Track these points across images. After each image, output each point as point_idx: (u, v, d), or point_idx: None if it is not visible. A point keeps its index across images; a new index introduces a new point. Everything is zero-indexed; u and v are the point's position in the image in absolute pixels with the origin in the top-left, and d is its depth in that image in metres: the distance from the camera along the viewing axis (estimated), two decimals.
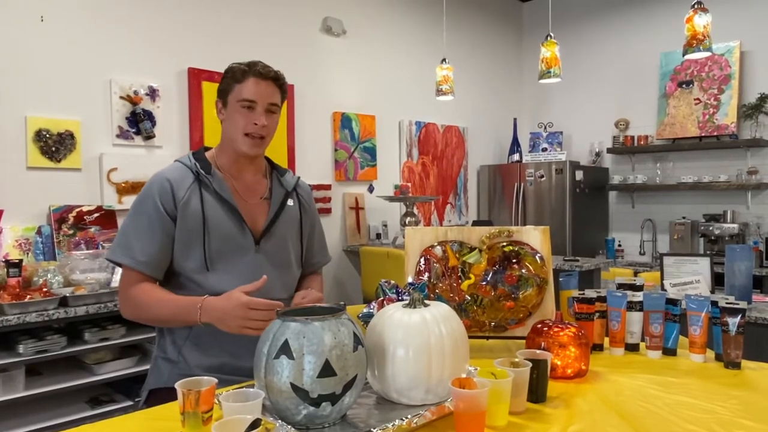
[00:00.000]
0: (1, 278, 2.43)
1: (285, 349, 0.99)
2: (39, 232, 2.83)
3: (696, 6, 2.59)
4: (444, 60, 3.91)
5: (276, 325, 1.04)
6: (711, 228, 4.41)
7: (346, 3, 4.35)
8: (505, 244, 1.54)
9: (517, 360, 1.14)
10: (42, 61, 2.91)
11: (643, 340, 1.54)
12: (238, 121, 1.52)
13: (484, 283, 1.51)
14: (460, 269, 1.53)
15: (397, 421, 1.01)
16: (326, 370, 0.98)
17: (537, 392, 1.16)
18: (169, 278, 1.53)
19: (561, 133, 5.43)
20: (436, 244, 1.55)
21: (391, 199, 4.02)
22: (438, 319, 1.12)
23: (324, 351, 0.99)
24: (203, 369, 1.46)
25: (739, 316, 1.37)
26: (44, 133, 2.89)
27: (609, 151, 5.17)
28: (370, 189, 4.55)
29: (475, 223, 5.17)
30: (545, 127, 5.54)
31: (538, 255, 1.52)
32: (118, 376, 2.57)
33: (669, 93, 4.84)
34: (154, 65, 3.33)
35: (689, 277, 2.43)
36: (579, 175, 4.89)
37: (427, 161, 5.00)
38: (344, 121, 4.34)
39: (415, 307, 1.14)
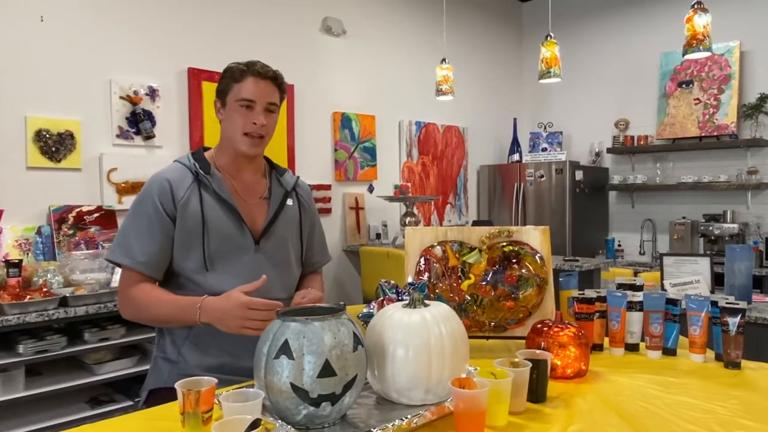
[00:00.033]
0: (1, 278, 2.43)
1: (285, 349, 0.99)
2: (39, 232, 2.83)
3: (696, 6, 2.59)
4: (444, 60, 3.91)
5: (276, 325, 1.04)
6: (711, 228, 4.41)
7: (346, 3, 4.35)
8: (505, 244, 1.54)
9: (516, 360, 1.14)
10: (42, 61, 2.91)
11: (643, 340, 1.54)
12: (237, 120, 1.52)
13: (484, 283, 1.51)
14: (460, 269, 1.53)
15: (397, 421, 1.01)
16: (326, 370, 0.98)
17: (537, 392, 1.16)
18: (168, 278, 1.53)
19: (561, 133, 5.43)
20: (436, 244, 1.55)
21: (391, 199, 4.02)
22: (438, 319, 1.12)
23: (324, 351, 0.99)
24: (203, 369, 1.46)
25: (739, 316, 1.37)
26: (44, 133, 2.89)
27: (609, 151, 5.17)
28: (370, 189, 4.55)
29: (475, 223, 5.17)
30: (545, 127, 5.54)
31: (538, 255, 1.52)
32: (118, 376, 2.57)
33: (669, 93, 4.84)
34: (154, 65, 3.33)
35: (689, 277, 2.43)
36: (579, 175, 4.89)
37: (427, 161, 5.00)
38: (344, 121, 4.34)
39: (415, 307, 1.14)
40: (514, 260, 1.52)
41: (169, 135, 3.38)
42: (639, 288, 1.64)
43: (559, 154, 5.14)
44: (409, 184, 4.35)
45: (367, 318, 1.28)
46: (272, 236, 1.58)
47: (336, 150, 4.30)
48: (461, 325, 1.16)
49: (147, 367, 1.61)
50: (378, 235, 4.48)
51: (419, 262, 1.54)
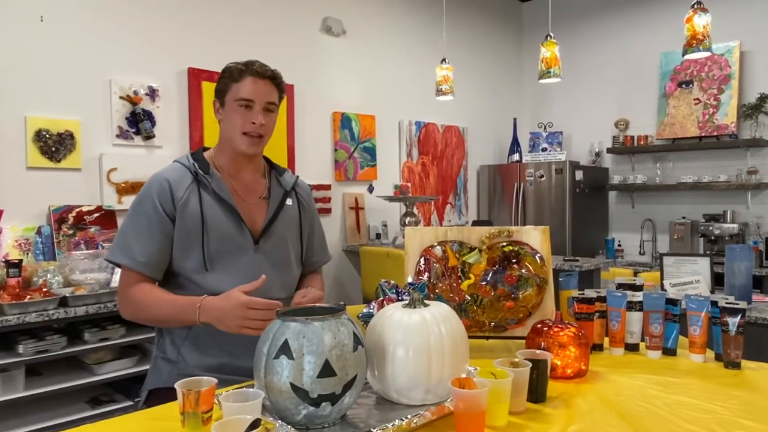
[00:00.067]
0: (1, 278, 2.43)
1: (285, 349, 0.99)
2: (39, 232, 2.83)
3: (696, 6, 2.59)
4: (444, 60, 3.91)
5: (276, 325, 1.04)
6: (711, 228, 4.41)
7: (346, 3, 4.35)
8: (504, 244, 1.54)
9: (516, 360, 1.14)
10: (42, 61, 2.91)
11: (642, 340, 1.54)
12: (236, 120, 1.52)
13: (483, 283, 1.51)
14: (459, 269, 1.53)
15: (396, 421, 1.01)
16: (326, 370, 0.98)
17: (537, 392, 1.16)
18: (168, 278, 1.53)
19: (561, 133, 5.43)
20: (435, 244, 1.55)
21: (390, 199, 4.02)
22: (438, 319, 1.12)
23: (324, 351, 0.99)
24: (202, 369, 1.46)
25: (739, 316, 1.37)
26: (44, 133, 2.89)
27: (609, 151, 5.17)
28: (370, 189, 4.55)
29: (475, 223, 5.17)
30: (545, 127, 5.54)
31: (538, 255, 1.52)
32: (118, 376, 2.57)
33: (669, 93, 4.84)
34: (154, 65, 3.33)
35: (689, 277, 2.43)
36: (579, 175, 4.89)
37: (427, 161, 5.00)
38: (344, 121, 4.34)
39: (414, 307, 1.14)
40: (514, 260, 1.52)
41: (169, 135, 3.38)
42: (639, 288, 1.64)
43: (559, 154, 5.14)
44: (409, 184, 4.35)
45: (367, 318, 1.28)
46: (272, 236, 1.58)
47: (336, 150, 4.30)
48: (461, 325, 1.16)
49: (147, 367, 1.61)
50: (378, 235, 4.48)
51: (419, 262, 1.54)
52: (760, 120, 4.40)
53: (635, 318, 1.53)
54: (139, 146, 3.26)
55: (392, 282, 1.37)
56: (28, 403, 2.35)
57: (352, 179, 4.41)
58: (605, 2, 5.33)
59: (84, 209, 2.99)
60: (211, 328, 1.37)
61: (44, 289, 2.44)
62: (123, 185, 3.15)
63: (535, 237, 1.54)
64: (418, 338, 1.08)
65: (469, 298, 1.51)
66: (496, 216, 5.34)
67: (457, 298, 1.51)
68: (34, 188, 2.88)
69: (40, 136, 2.88)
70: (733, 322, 1.37)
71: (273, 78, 1.55)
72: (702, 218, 4.62)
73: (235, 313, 1.31)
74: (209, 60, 3.51)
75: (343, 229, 4.36)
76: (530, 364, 1.12)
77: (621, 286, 1.66)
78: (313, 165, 4.17)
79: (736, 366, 1.38)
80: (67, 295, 2.46)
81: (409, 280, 1.52)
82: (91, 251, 2.78)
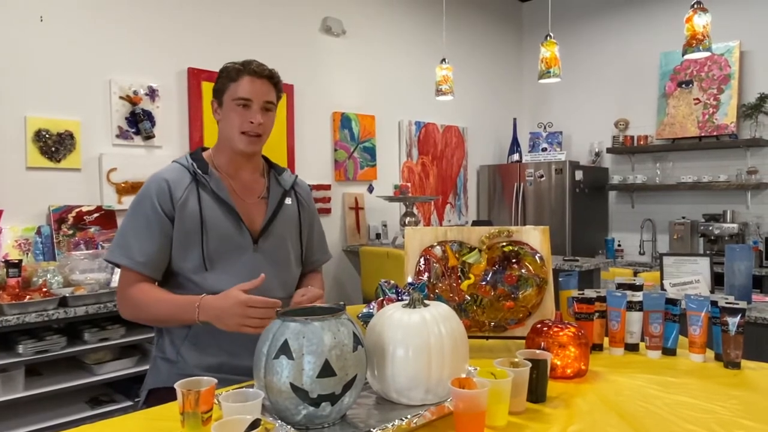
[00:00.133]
0: (0, 278, 2.43)
1: (285, 349, 0.99)
2: (38, 232, 2.83)
3: (695, 6, 2.59)
4: (444, 60, 3.91)
5: (276, 325, 1.04)
6: (711, 228, 4.41)
7: (346, 3, 4.35)
8: (504, 244, 1.54)
9: (516, 360, 1.14)
10: (42, 61, 2.91)
11: (642, 340, 1.54)
12: (234, 120, 1.52)
13: (483, 283, 1.51)
14: (459, 269, 1.53)
15: (396, 421, 1.01)
16: (326, 370, 0.98)
17: (537, 392, 1.16)
18: (167, 278, 1.53)
19: (561, 133, 5.43)
20: (435, 244, 1.55)
21: (390, 199, 4.02)
22: (438, 319, 1.12)
23: (324, 351, 0.99)
24: (202, 368, 1.46)
25: (739, 315, 1.37)
26: (44, 133, 2.89)
27: (609, 151, 5.17)
28: (370, 189, 4.55)
29: (475, 223, 5.17)
30: (545, 127, 5.54)
31: (538, 255, 1.52)
32: (117, 377, 2.57)
33: (669, 93, 4.84)
34: (154, 65, 3.33)
35: (689, 277, 2.43)
36: (579, 175, 4.89)
37: (427, 161, 5.00)
38: (344, 121, 4.34)
39: (414, 307, 1.14)
40: (513, 260, 1.52)
41: (169, 135, 3.38)
42: (639, 288, 1.64)
43: (558, 154, 5.14)
44: (408, 184, 4.35)
45: (366, 318, 1.28)
46: (271, 235, 1.58)
47: (336, 150, 4.30)
48: (461, 325, 1.16)
49: (147, 367, 1.61)
50: (378, 235, 4.48)
51: (419, 262, 1.54)
52: (760, 120, 4.40)
53: (635, 318, 1.53)
54: (138, 146, 3.26)
55: (392, 282, 1.37)
56: (28, 403, 2.35)
57: (352, 179, 4.41)
58: (605, 2, 5.33)
59: (84, 209, 2.99)
60: (210, 327, 1.37)
61: (44, 289, 2.44)
62: (123, 185, 3.15)
63: (534, 237, 1.54)
64: (417, 338, 1.08)
65: (469, 298, 1.51)
66: (496, 216, 5.34)
67: (457, 298, 1.51)
68: (33, 188, 2.88)
69: (39, 136, 2.88)
70: (732, 322, 1.37)
71: (270, 77, 1.55)
72: (702, 218, 4.62)
73: (234, 312, 1.31)
74: (209, 60, 3.51)
75: (342, 229, 4.36)
76: (530, 364, 1.12)
77: (621, 286, 1.66)
78: (313, 165, 4.17)
79: (736, 366, 1.38)
80: (67, 295, 2.46)
81: (409, 280, 1.52)
82: (90, 251, 2.78)
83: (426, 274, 1.53)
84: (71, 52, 3.01)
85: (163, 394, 1.43)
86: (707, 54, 2.71)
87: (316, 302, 1.42)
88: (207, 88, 3.49)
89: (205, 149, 1.63)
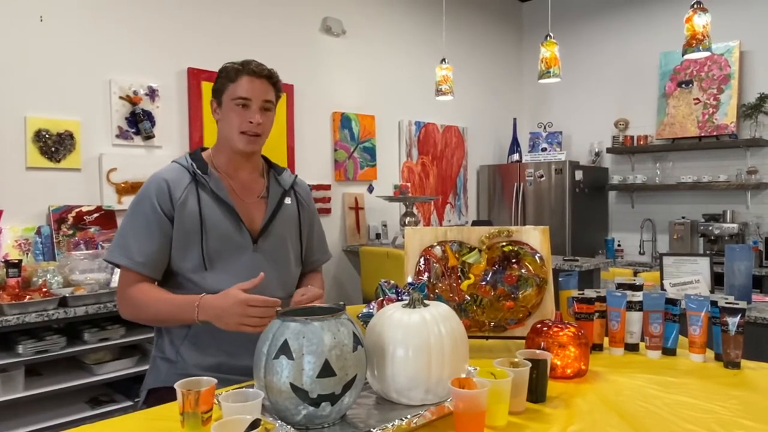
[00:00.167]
0: (0, 278, 2.43)
1: (284, 350, 0.99)
2: (38, 232, 2.83)
3: (695, 6, 2.59)
4: (444, 60, 3.91)
5: (275, 325, 1.04)
6: (710, 228, 4.41)
7: (345, 3, 4.35)
8: (504, 244, 1.54)
9: (516, 360, 1.14)
10: (42, 61, 2.91)
11: (642, 340, 1.54)
12: (233, 119, 1.52)
13: (483, 283, 1.51)
14: (459, 269, 1.53)
15: (396, 421, 1.01)
16: (326, 370, 0.98)
17: (537, 392, 1.16)
18: (167, 278, 1.53)
19: (560, 133, 5.43)
20: (435, 244, 1.55)
21: (390, 199, 4.02)
22: (437, 319, 1.12)
23: (323, 351, 0.99)
24: (201, 368, 1.46)
25: (739, 315, 1.37)
26: (44, 133, 2.89)
27: (609, 151, 5.17)
28: (370, 189, 4.55)
29: (475, 223, 5.17)
30: (545, 127, 5.54)
31: (538, 255, 1.52)
32: (117, 377, 2.57)
33: (668, 93, 4.84)
34: (154, 65, 3.32)
35: (689, 277, 2.43)
36: (579, 175, 4.89)
37: (427, 161, 5.00)
38: (344, 121, 4.34)
39: (414, 307, 1.14)
40: (513, 260, 1.52)
41: (169, 135, 3.38)
42: (639, 288, 1.64)
43: (558, 154, 5.14)
44: (408, 184, 4.35)
45: (366, 318, 1.28)
46: (270, 235, 1.58)
47: (336, 150, 4.30)
48: (461, 325, 1.16)
49: (146, 367, 1.61)
50: (378, 235, 4.48)
51: (419, 262, 1.54)
52: (760, 120, 4.40)
53: (635, 318, 1.53)
54: (138, 146, 3.26)
55: (392, 282, 1.37)
56: (28, 403, 2.35)
57: (352, 179, 4.41)
58: (605, 2, 5.33)
59: (84, 209, 2.99)
60: (209, 327, 1.37)
61: (44, 290, 2.43)
62: (123, 185, 3.15)
63: (534, 237, 1.54)
64: (417, 338, 1.08)
65: (469, 298, 1.51)
66: (495, 216, 5.34)
67: (456, 298, 1.51)
68: (33, 188, 2.88)
69: (39, 136, 2.88)
70: (732, 321, 1.37)
71: (269, 77, 1.55)
72: (702, 218, 4.62)
73: (233, 311, 1.31)
74: (209, 60, 3.51)
75: (342, 229, 4.36)
76: (530, 364, 1.12)
77: (621, 286, 1.66)
78: (313, 165, 4.17)
79: (736, 366, 1.38)
80: (67, 295, 2.46)
81: (409, 280, 1.52)
82: (90, 251, 2.78)
83: (426, 274, 1.53)
84: (71, 52, 3.01)
85: (163, 394, 1.43)
86: (707, 54, 2.71)
87: (315, 302, 1.42)
88: (207, 88, 3.48)
89: (204, 149, 1.63)
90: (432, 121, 5.02)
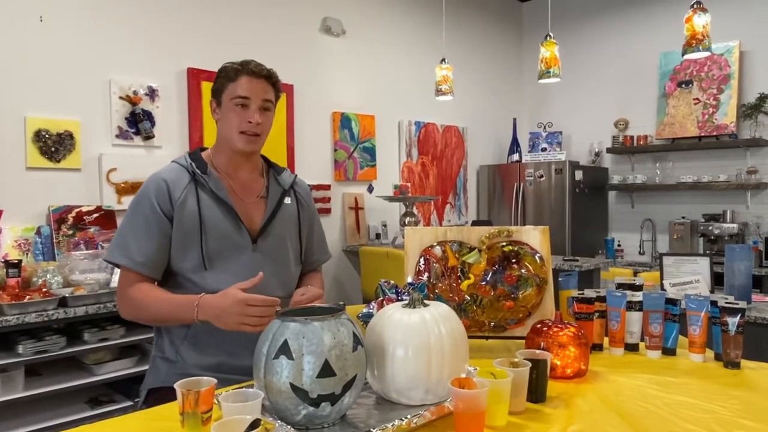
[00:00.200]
0: (0, 278, 2.43)
1: (284, 350, 0.99)
2: (38, 232, 2.83)
3: (695, 6, 2.59)
4: (443, 60, 3.91)
5: (275, 325, 1.04)
6: (710, 228, 4.41)
7: (345, 3, 4.35)
8: (504, 244, 1.54)
9: (516, 360, 1.14)
10: (42, 61, 2.91)
11: (642, 339, 1.54)
12: (233, 119, 1.52)
13: (483, 283, 1.51)
14: (459, 269, 1.53)
15: (396, 421, 1.01)
16: (326, 371, 0.98)
17: (536, 392, 1.16)
18: (167, 278, 1.53)
19: (560, 133, 5.43)
20: (435, 244, 1.55)
21: (390, 199, 4.02)
22: (437, 319, 1.12)
23: (323, 351, 0.99)
24: (201, 368, 1.46)
25: (739, 315, 1.37)
26: (43, 133, 2.89)
27: (608, 151, 5.17)
28: (370, 189, 4.55)
29: (475, 223, 5.17)
30: (545, 127, 5.54)
31: (538, 255, 1.52)
32: (117, 377, 2.57)
33: (668, 93, 4.84)
34: (154, 65, 3.32)
35: (689, 277, 2.43)
36: (578, 175, 4.89)
37: (427, 161, 5.00)
38: (344, 121, 4.34)
39: (414, 307, 1.14)
40: (513, 260, 1.52)
41: (169, 135, 3.38)
42: (638, 288, 1.64)
43: (558, 154, 5.14)
44: (408, 184, 4.35)
45: (366, 318, 1.28)
46: (270, 235, 1.58)
47: (335, 150, 4.30)
48: (461, 325, 1.16)
49: (146, 367, 1.61)
50: (378, 235, 4.48)
51: (419, 262, 1.54)
52: (760, 120, 4.40)
53: (635, 318, 1.53)
54: (138, 146, 3.26)
55: (392, 282, 1.37)
56: (28, 403, 2.35)
57: (352, 179, 4.41)
58: (605, 2, 5.33)
59: (83, 209, 2.99)
60: (209, 327, 1.37)
61: (44, 290, 2.43)
62: (122, 185, 3.15)
63: (534, 237, 1.54)
64: (417, 338, 1.08)
65: (469, 298, 1.51)
66: (495, 216, 5.34)
67: (456, 298, 1.51)
68: (33, 188, 2.88)
69: (39, 137, 2.88)
70: (732, 321, 1.37)
71: (269, 77, 1.55)
72: (702, 218, 4.62)
73: (233, 311, 1.31)
74: (209, 60, 3.51)
75: (342, 229, 4.36)
76: (530, 364, 1.12)
77: (621, 286, 1.66)
78: (313, 165, 4.17)
79: (736, 366, 1.38)
80: (67, 295, 2.46)
81: (409, 280, 1.52)
82: (90, 251, 2.78)
83: (426, 274, 1.53)
84: (71, 52, 3.01)
85: (163, 394, 1.43)
86: (707, 54, 2.71)
87: (315, 302, 1.42)
88: (207, 88, 3.48)
89: (204, 149, 1.64)
90: (432, 121, 5.02)
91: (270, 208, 1.59)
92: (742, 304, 1.39)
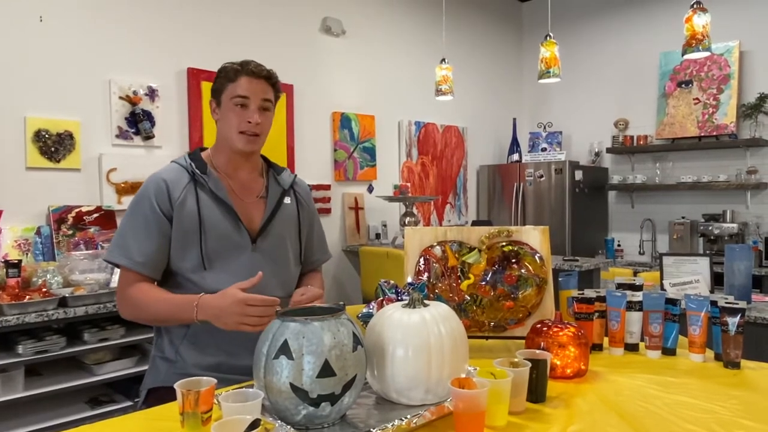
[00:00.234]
0: (0, 279, 2.42)
1: (284, 350, 0.99)
2: (38, 232, 2.83)
3: (695, 6, 2.59)
4: (443, 60, 3.91)
5: (275, 325, 1.04)
6: (710, 228, 4.41)
7: (345, 3, 4.35)
8: (504, 244, 1.54)
9: (516, 360, 1.14)
10: (42, 61, 2.91)
11: (642, 339, 1.54)
12: (232, 119, 1.52)
13: (483, 283, 1.51)
14: (459, 269, 1.53)
15: (396, 421, 1.01)
16: (325, 371, 0.98)
17: (536, 392, 1.16)
18: (166, 278, 1.53)
19: (560, 133, 5.43)
20: (435, 244, 1.55)
21: (390, 199, 4.02)
22: (437, 319, 1.12)
23: (323, 351, 0.99)
24: (200, 368, 1.46)
25: (739, 315, 1.37)
26: (43, 133, 2.89)
27: (608, 150, 5.17)
28: (370, 189, 4.55)
29: (475, 223, 5.17)
30: (545, 127, 5.54)
31: (538, 255, 1.52)
32: (117, 377, 2.57)
33: (668, 93, 4.84)
34: (154, 65, 3.32)
35: (689, 277, 2.43)
36: (578, 175, 4.89)
37: (427, 161, 5.00)
38: (344, 121, 4.34)
39: (414, 307, 1.14)
40: (513, 260, 1.52)
41: (169, 135, 3.38)
42: (638, 288, 1.64)
43: (558, 154, 5.14)
44: (408, 184, 4.35)
45: (366, 318, 1.28)
46: (269, 235, 1.58)
47: (335, 150, 4.30)
48: (461, 325, 1.16)
49: (146, 367, 1.61)
50: (377, 235, 4.48)
51: (419, 262, 1.54)
52: (760, 120, 4.40)
53: (635, 318, 1.53)
54: (138, 146, 3.26)
55: (392, 282, 1.37)
56: (28, 403, 2.35)
57: (352, 179, 4.41)
58: (605, 2, 5.33)
59: (83, 209, 2.99)
60: (209, 327, 1.37)
61: (44, 290, 2.43)
62: (122, 185, 3.15)
63: (534, 237, 1.54)
64: (417, 338, 1.08)
65: (469, 298, 1.51)
66: (495, 216, 5.34)
67: (456, 298, 1.51)
68: (33, 188, 2.88)
69: (39, 137, 2.88)
70: (732, 321, 1.37)
71: (268, 78, 1.56)
72: (701, 218, 4.62)
73: (232, 310, 1.31)
74: (209, 60, 3.51)
75: (342, 229, 4.36)
76: (530, 364, 1.12)
77: (620, 286, 1.66)
78: (313, 165, 4.17)
79: (736, 366, 1.38)
80: (67, 295, 2.46)
81: (409, 280, 1.52)
82: (90, 251, 2.78)
83: (426, 274, 1.53)
84: (71, 52, 3.01)
85: (162, 394, 1.43)
86: (707, 54, 2.71)
87: (315, 302, 1.42)
88: (207, 88, 3.48)
89: (203, 149, 1.64)
90: (432, 121, 5.02)
91: (270, 208, 1.59)
92: (742, 304, 1.39)
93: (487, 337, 1.53)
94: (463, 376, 1.09)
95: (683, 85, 4.76)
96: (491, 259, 1.53)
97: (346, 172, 4.37)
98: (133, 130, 3.22)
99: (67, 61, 2.99)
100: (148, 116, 3.26)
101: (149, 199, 1.49)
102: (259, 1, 3.83)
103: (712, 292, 2.38)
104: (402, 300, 1.27)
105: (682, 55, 2.69)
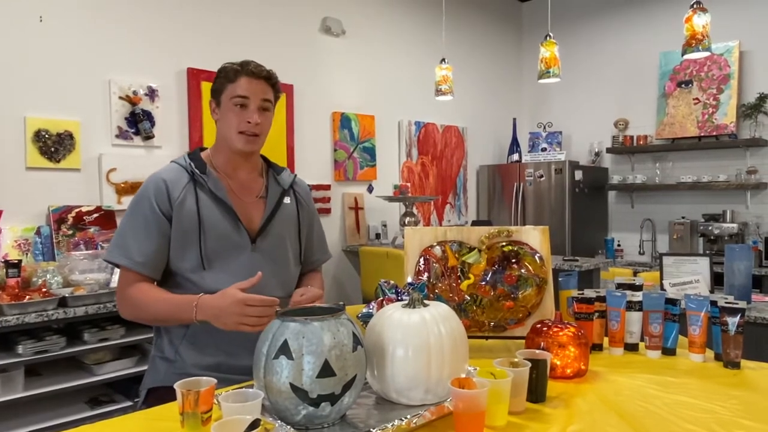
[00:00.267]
0: (0, 279, 2.42)
1: (284, 350, 0.99)
2: (38, 232, 2.83)
3: (695, 6, 2.59)
4: (443, 60, 3.91)
5: (275, 325, 1.04)
6: (710, 228, 4.41)
7: (345, 3, 4.35)
8: (504, 244, 1.54)
9: (516, 360, 1.14)
10: (41, 61, 2.91)
11: (642, 339, 1.54)
12: (232, 120, 1.53)
13: (483, 283, 1.51)
14: (459, 269, 1.53)
15: (396, 421, 1.01)
16: (325, 371, 0.98)
17: (536, 392, 1.16)
18: (166, 278, 1.53)
19: (560, 133, 5.43)
20: (435, 244, 1.55)
21: (390, 199, 4.02)
22: (437, 319, 1.12)
23: (323, 351, 0.99)
24: (200, 368, 1.46)
25: (739, 315, 1.37)
26: (43, 133, 2.89)
27: (608, 150, 5.17)
28: (370, 189, 4.55)
29: (475, 223, 5.17)
30: (545, 127, 5.54)
31: (538, 255, 1.52)
32: (117, 377, 2.57)
33: (668, 93, 4.84)
34: (154, 65, 3.32)
35: (689, 277, 2.43)
36: (578, 175, 4.89)
37: (427, 161, 5.00)
38: (343, 121, 4.34)
39: (414, 307, 1.14)
40: (513, 260, 1.52)
41: (169, 135, 3.38)
42: (638, 288, 1.64)
43: (558, 154, 5.14)
44: (408, 184, 4.35)
45: (366, 318, 1.28)
46: (269, 235, 1.58)
47: (335, 150, 4.30)
48: (461, 325, 1.16)
49: (146, 367, 1.61)
50: (377, 235, 4.48)
51: (419, 262, 1.54)
52: (760, 120, 4.40)
53: (635, 318, 1.53)
54: (138, 146, 3.26)
55: (392, 282, 1.37)
56: (28, 403, 2.35)
57: (352, 179, 4.41)
58: (605, 2, 5.33)
59: (83, 209, 2.99)
60: (208, 326, 1.37)
61: (43, 290, 2.43)
62: (122, 185, 3.15)
63: (534, 237, 1.54)
64: (417, 338, 1.08)
65: (469, 298, 1.51)
66: (495, 216, 5.34)
67: (456, 298, 1.51)
68: (33, 188, 2.88)
69: (39, 137, 2.88)
70: (732, 321, 1.37)
71: (268, 78, 1.56)
72: (701, 218, 4.62)
73: (231, 311, 1.31)
74: (209, 60, 3.51)
75: (342, 229, 4.36)
76: (530, 364, 1.12)
77: (620, 286, 1.66)
78: (313, 165, 4.16)
79: (736, 366, 1.38)
80: (67, 295, 2.46)
81: (409, 280, 1.52)
82: (90, 251, 2.78)
83: (426, 274, 1.53)
84: (71, 52, 3.01)
85: (162, 394, 1.43)
86: (707, 54, 2.71)
87: (315, 302, 1.42)
88: (206, 88, 3.48)
89: (203, 149, 1.64)
90: (432, 121, 5.02)
91: (269, 208, 1.59)
92: (742, 304, 1.39)
93: (487, 337, 1.53)
94: (463, 376, 1.09)
95: (683, 85, 4.76)
96: (491, 259, 1.53)
97: (346, 172, 4.37)
98: (133, 130, 3.22)
99: (67, 61, 2.99)
100: (148, 116, 3.26)
101: (149, 199, 1.49)
102: (259, 1, 3.83)
103: (712, 292, 2.38)
104: (402, 300, 1.27)
105: (682, 55, 2.69)
